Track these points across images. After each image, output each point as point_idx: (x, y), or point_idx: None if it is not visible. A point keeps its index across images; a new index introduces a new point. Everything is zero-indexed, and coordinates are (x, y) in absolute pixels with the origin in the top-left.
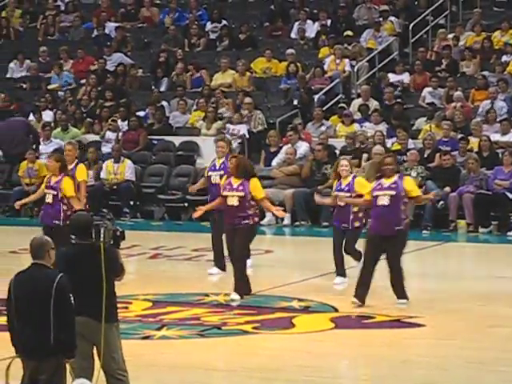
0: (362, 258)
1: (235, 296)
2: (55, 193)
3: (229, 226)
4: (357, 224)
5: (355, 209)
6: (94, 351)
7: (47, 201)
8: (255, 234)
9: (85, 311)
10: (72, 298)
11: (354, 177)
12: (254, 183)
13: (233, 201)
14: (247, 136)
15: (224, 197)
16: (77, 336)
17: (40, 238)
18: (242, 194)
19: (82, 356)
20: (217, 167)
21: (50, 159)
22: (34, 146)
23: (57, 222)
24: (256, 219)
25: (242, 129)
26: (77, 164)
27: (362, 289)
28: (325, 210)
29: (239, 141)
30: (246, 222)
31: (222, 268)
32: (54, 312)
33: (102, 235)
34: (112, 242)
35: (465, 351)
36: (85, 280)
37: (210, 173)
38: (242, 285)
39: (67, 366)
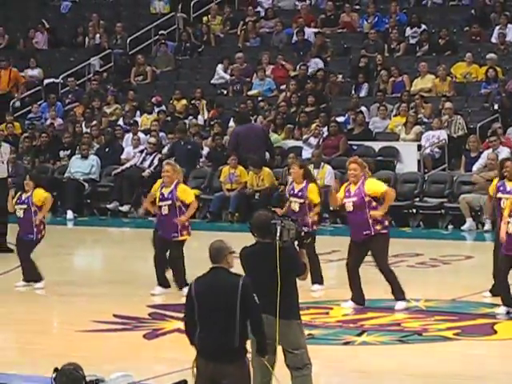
0: None
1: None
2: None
3: None
4: None
5: None
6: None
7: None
8: None
9: (264, 308)
10: (256, 298)
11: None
12: None
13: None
14: (447, 141)
15: (499, 199)
16: None
17: (218, 242)
18: None
19: None
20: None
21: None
22: (269, 155)
23: None
24: None
25: (442, 134)
26: (177, 184)
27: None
28: None
29: (439, 146)
30: None
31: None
32: (240, 315)
33: (278, 233)
34: (297, 243)
35: None
36: (265, 277)
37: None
38: None
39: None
